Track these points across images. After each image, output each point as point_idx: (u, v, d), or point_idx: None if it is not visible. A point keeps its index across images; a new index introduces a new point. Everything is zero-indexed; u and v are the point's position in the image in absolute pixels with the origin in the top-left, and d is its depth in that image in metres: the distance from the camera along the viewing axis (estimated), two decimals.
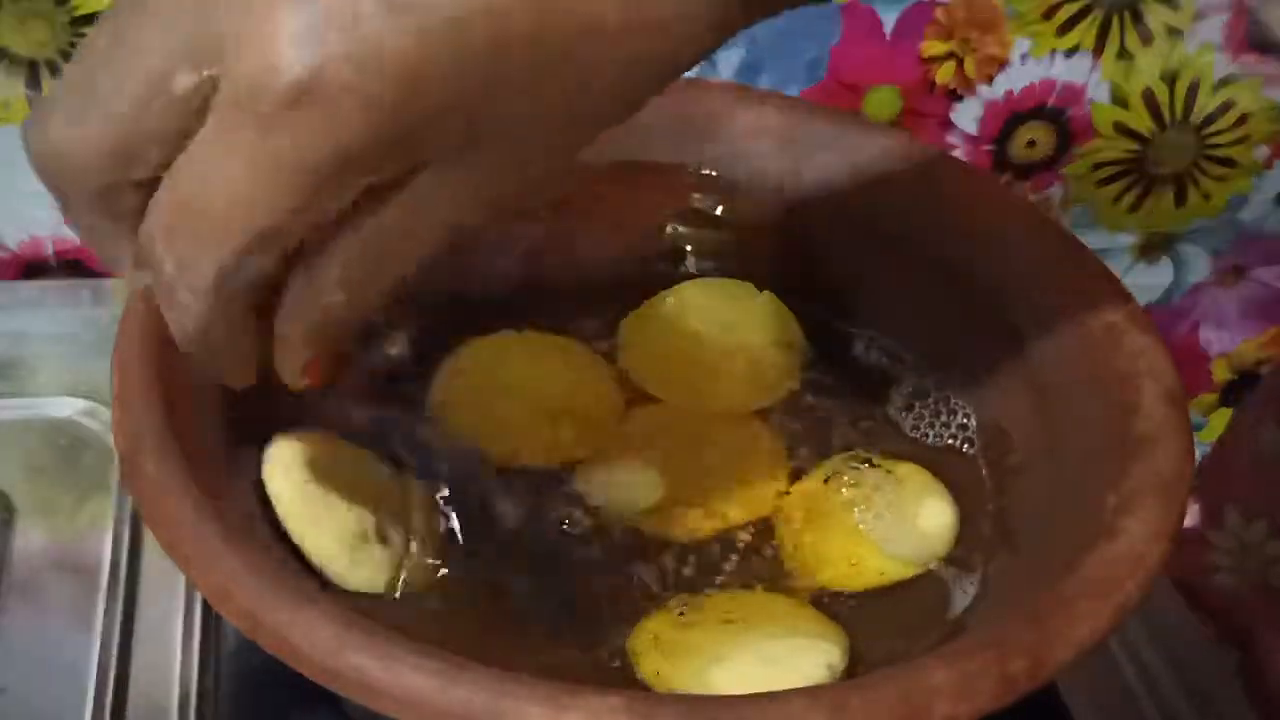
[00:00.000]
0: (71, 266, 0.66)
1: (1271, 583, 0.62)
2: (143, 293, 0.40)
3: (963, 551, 0.44)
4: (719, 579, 0.43)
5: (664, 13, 0.29)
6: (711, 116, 0.52)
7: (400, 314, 0.50)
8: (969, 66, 0.68)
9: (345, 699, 0.33)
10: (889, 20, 0.65)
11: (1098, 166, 0.73)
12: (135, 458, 0.36)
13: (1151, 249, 0.79)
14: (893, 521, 0.45)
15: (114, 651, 0.46)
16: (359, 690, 0.32)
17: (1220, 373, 0.86)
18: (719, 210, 0.53)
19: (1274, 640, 0.61)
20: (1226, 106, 0.72)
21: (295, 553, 0.41)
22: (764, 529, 0.44)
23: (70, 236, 0.65)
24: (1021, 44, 0.67)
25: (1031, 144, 0.71)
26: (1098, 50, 0.68)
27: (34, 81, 0.59)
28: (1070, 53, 0.68)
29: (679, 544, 0.44)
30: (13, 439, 0.54)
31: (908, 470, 0.47)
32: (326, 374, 0.34)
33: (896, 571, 0.43)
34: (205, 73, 0.28)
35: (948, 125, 0.70)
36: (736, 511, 0.45)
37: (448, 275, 0.51)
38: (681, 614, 0.41)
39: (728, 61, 0.65)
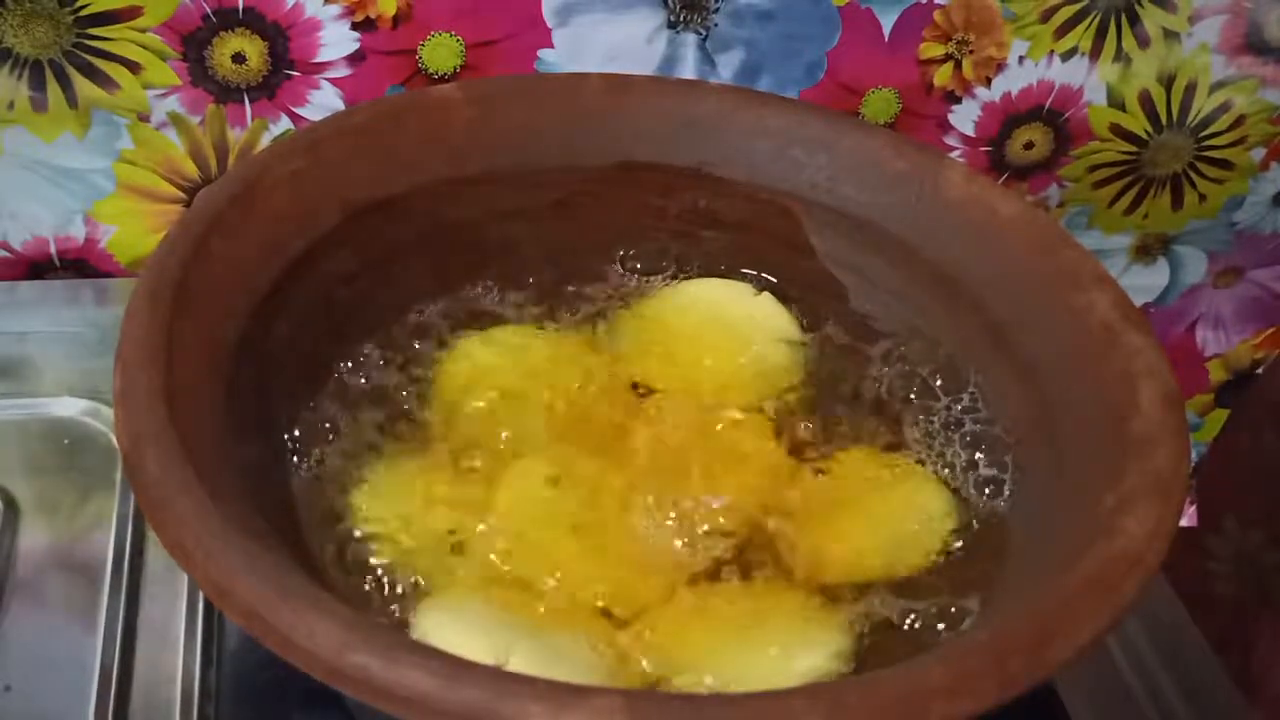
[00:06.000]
0: (74, 267, 0.66)
1: (1269, 590, 0.62)
2: (146, 292, 0.40)
3: (962, 548, 0.44)
4: (724, 572, 0.43)
5: None
6: (711, 118, 0.52)
7: (401, 309, 0.50)
8: (967, 69, 0.68)
9: (347, 697, 0.33)
10: (887, 22, 0.65)
11: (1095, 168, 0.73)
12: (138, 457, 0.36)
13: (1148, 250, 0.79)
14: (892, 517, 0.45)
15: (117, 650, 0.46)
16: (361, 689, 0.32)
17: (1216, 373, 0.86)
18: (719, 210, 0.53)
19: (1272, 648, 0.61)
20: (1223, 109, 0.72)
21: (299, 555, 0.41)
22: (768, 524, 0.45)
23: (74, 236, 0.65)
24: (1019, 46, 0.67)
25: (1029, 146, 0.71)
26: (1095, 52, 0.68)
27: (38, 83, 0.59)
28: (1067, 55, 0.68)
29: (684, 540, 0.44)
30: (16, 438, 0.54)
31: (906, 466, 0.47)
32: None
33: (896, 566, 0.44)
34: None
35: (946, 127, 0.70)
36: (738, 508, 0.45)
37: (453, 271, 0.52)
38: (689, 606, 0.42)
39: (727, 63, 0.65)
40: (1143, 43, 0.69)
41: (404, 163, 0.49)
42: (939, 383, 0.49)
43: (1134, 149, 0.73)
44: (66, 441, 0.54)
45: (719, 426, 0.48)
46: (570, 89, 0.52)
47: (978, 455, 0.47)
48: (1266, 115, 0.73)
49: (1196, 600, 0.54)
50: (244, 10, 0.60)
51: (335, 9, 0.61)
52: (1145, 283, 0.80)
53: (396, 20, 0.61)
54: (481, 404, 0.47)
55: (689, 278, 0.53)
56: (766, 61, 0.66)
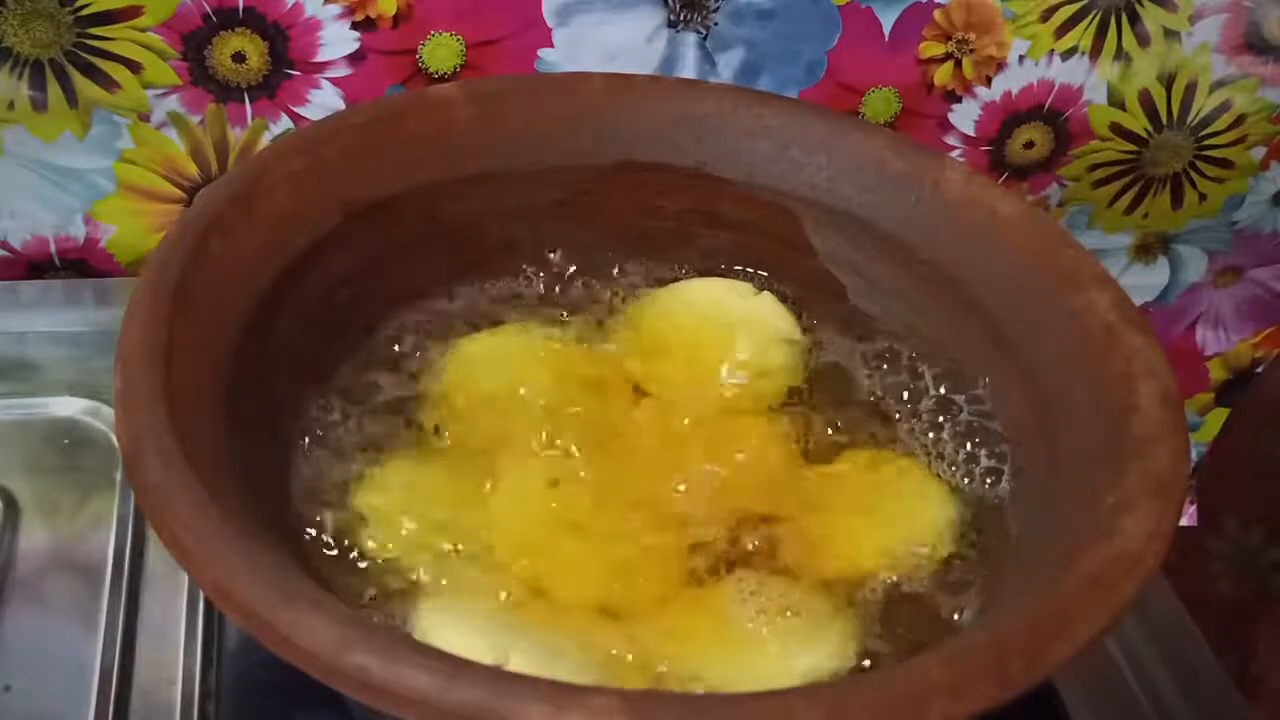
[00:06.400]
0: (74, 266, 0.66)
1: (1269, 590, 0.62)
2: (146, 292, 0.40)
3: (962, 549, 0.44)
4: (724, 572, 0.43)
5: None
6: (711, 117, 0.52)
7: (401, 309, 0.50)
8: (967, 68, 0.68)
9: (347, 697, 0.33)
10: (887, 22, 0.65)
11: (1095, 168, 0.73)
12: (138, 457, 0.36)
13: (1148, 249, 0.79)
14: (892, 516, 0.45)
15: (117, 650, 0.46)
16: (360, 689, 0.32)
17: (1217, 372, 0.86)
18: (718, 210, 0.53)
19: (1272, 647, 0.61)
20: (1223, 108, 0.72)
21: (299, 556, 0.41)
22: (768, 524, 0.45)
23: (74, 235, 0.65)
24: (1019, 45, 0.67)
25: (1029, 145, 0.71)
26: (1095, 52, 0.68)
27: (38, 82, 0.59)
28: (1068, 54, 0.68)
29: (684, 539, 0.44)
30: (16, 438, 0.54)
31: (908, 466, 0.47)
32: None
33: (896, 565, 0.44)
34: None
35: (946, 126, 0.70)
36: (739, 508, 0.45)
37: (453, 271, 0.52)
38: (689, 606, 0.42)
39: (727, 63, 0.65)
40: (1143, 42, 0.69)
41: (404, 162, 0.49)
42: (939, 382, 0.49)
43: (1134, 148, 0.73)
44: (66, 441, 0.54)
45: (719, 426, 0.48)
46: (570, 89, 0.52)
47: (977, 454, 0.47)
48: (1266, 114, 0.73)
49: (1196, 600, 0.54)
50: (244, 10, 0.60)
51: (335, 8, 0.61)
52: (1145, 282, 0.80)
53: (396, 20, 0.61)
54: (481, 404, 0.47)
55: (689, 278, 0.53)
56: (766, 61, 0.66)
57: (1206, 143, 0.73)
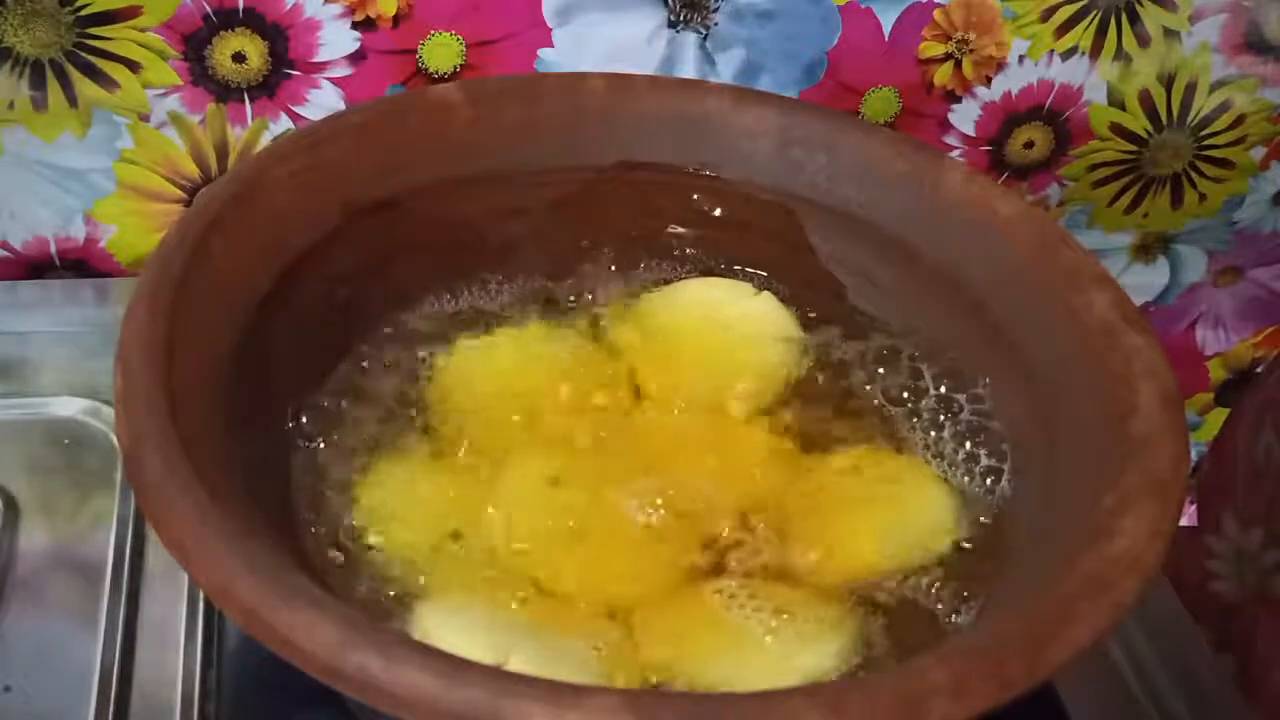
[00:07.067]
0: (74, 267, 0.66)
1: (1269, 590, 0.62)
2: (146, 292, 0.40)
3: (961, 548, 0.44)
4: (724, 571, 0.43)
5: None
6: (711, 117, 0.52)
7: (401, 309, 0.50)
8: (967, 68, 0.68)
9: (347, 697, 0.33)
10: (887, 22, 0.65)
11: (1095, 168, 0.73)
12: (138, 456, 0.36)
13: (1148, 249, 0.79)
14: (893, 515, 0.45)
15: (117, 650, 0.46)
16: (361, 689, 0.32)
17: (1216, 372, 0.86)
18: (718, 210, 0.53)
19: (1272, 647, 0.61)
20: (1223, 108, 0.72)
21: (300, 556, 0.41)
22: (768, 523, 0.45)
23: (74, 236, 0.65)
24: (1019, 45, 0.67)
25: (1029, 145, 0.71)
26: (1095, 52, 0.68)
27: (39, 82, 0.59)
28: (1067, 54, 0.68)
29: (684, 539, 0.44)
30: (16, 438, 0.54)
31: (907, 465, 0.47)
32: None
33: (897, 564, 0.44)
34: None
35: (946, 126, 0.70)
36: (739, 507, 0.45)
37: (452, 270, 0.52)
38: (689, 605, 0.42)
39: (728, 63, 0.65)
40: (1143, 42, 0.69)
41: (404, 163, 0.49)
42: (939, 382, 0.49)
43: (1134, 148, 0.73)
44: (66, 441, 0.54)
45: (719, 426, 0.48)
46: (570, 89, 0.52)
47: (977, 454, 0.47)
48: (1266, 114, 0.73)
49: (1196, 600, 0.54)
50: (244, 10, 0.60)
51: (335, 8, 0.61)
52: (1145, 282, 0.80)
53: (396, 20, 0.61)
54: (481, 403, 0.47)
55: (689, 278, 0.53)
56: (766, 61, 0.66)
57: (1206, 143, 0.73)
